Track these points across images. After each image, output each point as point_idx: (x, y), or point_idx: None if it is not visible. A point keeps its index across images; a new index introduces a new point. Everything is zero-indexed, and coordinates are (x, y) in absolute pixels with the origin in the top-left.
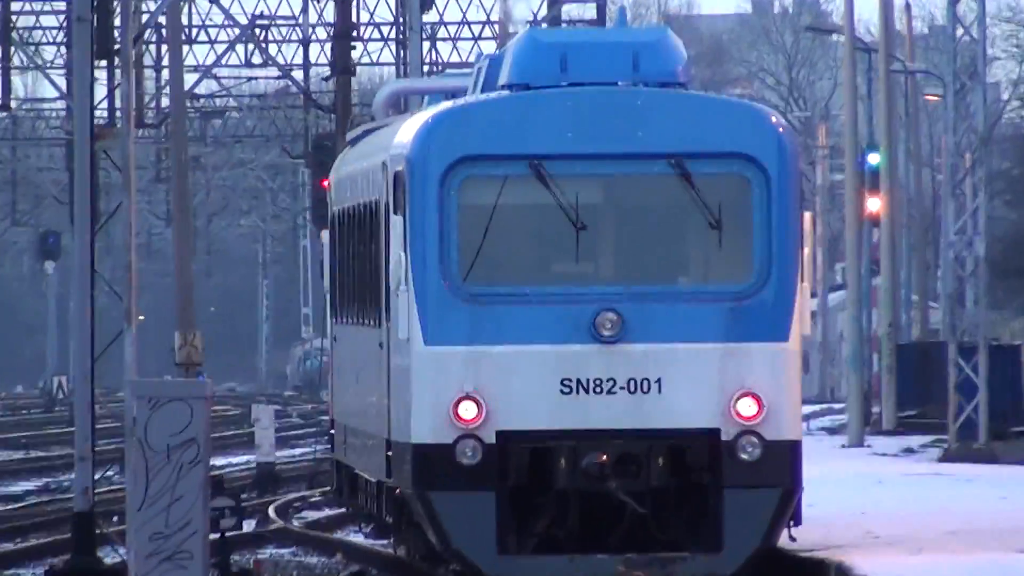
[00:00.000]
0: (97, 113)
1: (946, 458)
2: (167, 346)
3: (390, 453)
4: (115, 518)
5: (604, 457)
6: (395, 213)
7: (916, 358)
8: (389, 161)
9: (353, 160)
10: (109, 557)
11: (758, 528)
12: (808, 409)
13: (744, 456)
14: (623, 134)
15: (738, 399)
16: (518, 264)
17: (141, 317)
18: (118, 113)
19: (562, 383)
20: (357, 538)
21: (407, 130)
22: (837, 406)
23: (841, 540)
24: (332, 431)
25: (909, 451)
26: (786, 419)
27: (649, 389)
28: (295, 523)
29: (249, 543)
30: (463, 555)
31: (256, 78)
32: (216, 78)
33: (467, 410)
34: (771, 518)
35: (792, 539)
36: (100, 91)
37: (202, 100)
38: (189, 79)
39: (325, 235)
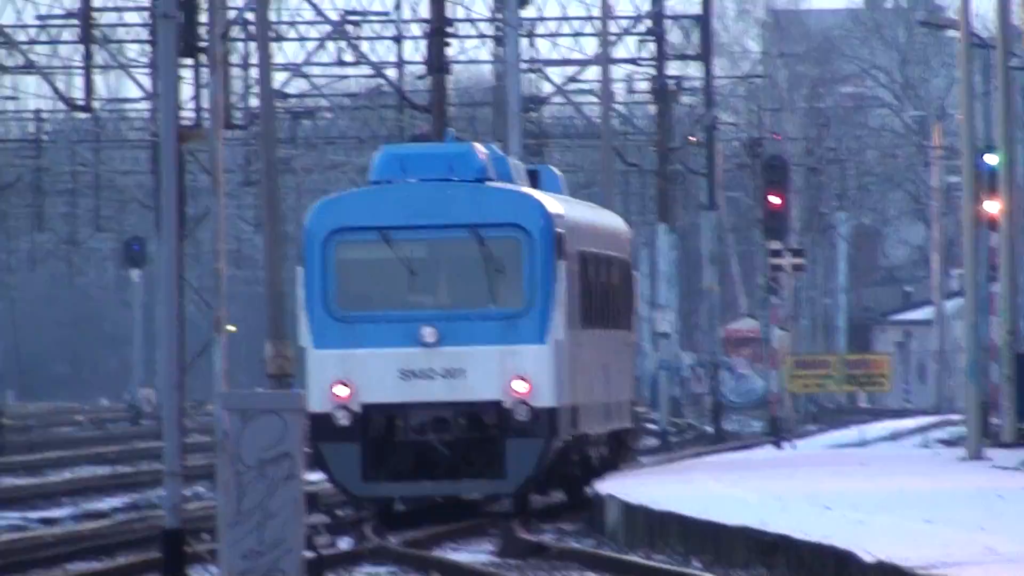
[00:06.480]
0: (183, 114)
1: None
2: (257, 357)
3: None
4: (206, 536)
5: (427, 420)
6: (299, 266)
7: None
8: (297, 233)
9: None
10: None
11: (529, 464)
12: (925, 421)
13: (518, 417)
14: (440, 212)
15: (513, 381)
16: (373, 297)
17: (232, 328)
18: (205, 114)
19: (401, 372)
20: (456, 556)
21: (307, 214)
22: (955, 417)
23: (960, 557)
24: None
25: None
26: (546, 393)
27: (456, 375)
28: (392, 540)
29: (344, 561)
30: (340, 483)
31: (348, 77)
32: (306, 77)
33: (340, 390)
34: (537, 457)
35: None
36: (186, 91)
37: (292, 100)
38: (278, 78)
39: None
